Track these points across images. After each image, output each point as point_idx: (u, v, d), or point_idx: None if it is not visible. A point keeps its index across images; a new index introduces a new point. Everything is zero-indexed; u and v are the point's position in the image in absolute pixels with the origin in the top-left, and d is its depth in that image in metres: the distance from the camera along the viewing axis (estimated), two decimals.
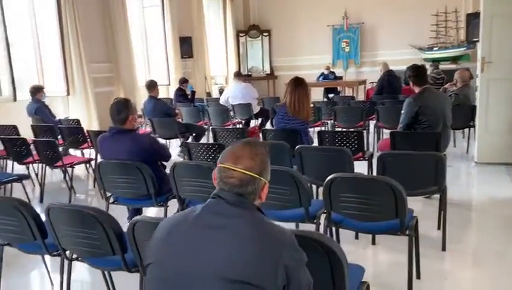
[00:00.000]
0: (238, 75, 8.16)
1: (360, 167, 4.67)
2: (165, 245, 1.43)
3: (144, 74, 10.93)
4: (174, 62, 11.06)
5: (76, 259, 2.43)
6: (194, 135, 6.76)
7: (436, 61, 10.63)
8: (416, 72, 4.26)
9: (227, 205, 1.41)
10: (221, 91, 11.84)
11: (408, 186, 3.13)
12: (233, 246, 1.35)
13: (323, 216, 2.84)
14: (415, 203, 3.39)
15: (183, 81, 8.69)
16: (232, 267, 1.33)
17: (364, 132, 6.97)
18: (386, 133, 6.10)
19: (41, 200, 5.01)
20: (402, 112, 4.32)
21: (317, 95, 12.92)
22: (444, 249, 3.31)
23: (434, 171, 3.20)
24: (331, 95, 13.18)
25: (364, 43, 13.45)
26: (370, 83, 11.94)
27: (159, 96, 6.99)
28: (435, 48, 12.18)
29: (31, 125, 6.33)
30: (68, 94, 8.36)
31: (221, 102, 8.23)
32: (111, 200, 3.52)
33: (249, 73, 14.99)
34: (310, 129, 4.89)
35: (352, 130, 5.36)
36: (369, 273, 2.63)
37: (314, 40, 13.80)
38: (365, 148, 4.54)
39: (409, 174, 3.20)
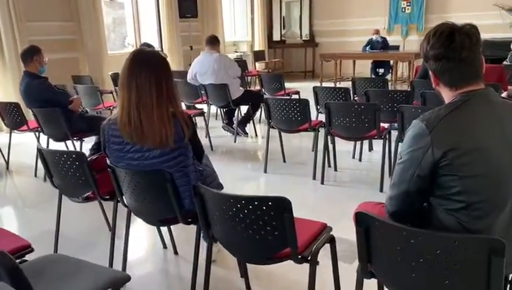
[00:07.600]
0: (211, 42, 5.44)
1: None
2: None
3: (134, 37, 8.66)
4: (168, 23, 8.53)
5: None
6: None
7: None
8: (447, 43, 1.40)
9: None
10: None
11: None
12: None
13: None
14: None
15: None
16: None
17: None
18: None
19: None
20: (398, 158, 1.53)
21: (364, 69, 10.01)
22: None
23: None
24: (381, 71, 10.10)
25: (432, 2, 10.12)
26: None
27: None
28: None
29: None
30: None
31: (188, 80, 5.67)
32: None
33: (283, 39, 12.12)
34: None
35: None
36: None
37: None
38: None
39: None
